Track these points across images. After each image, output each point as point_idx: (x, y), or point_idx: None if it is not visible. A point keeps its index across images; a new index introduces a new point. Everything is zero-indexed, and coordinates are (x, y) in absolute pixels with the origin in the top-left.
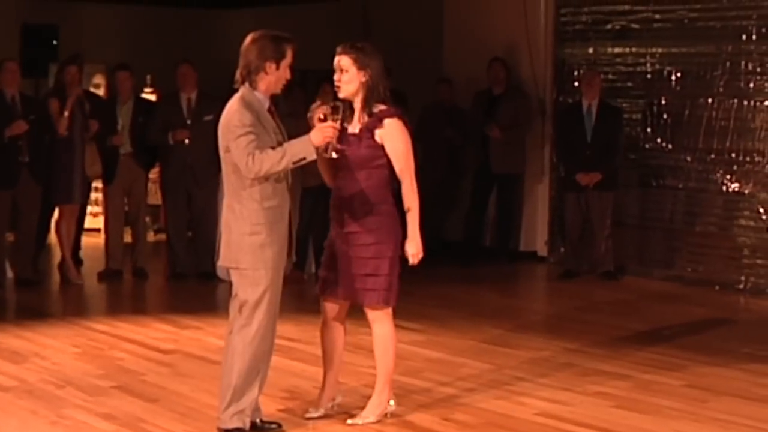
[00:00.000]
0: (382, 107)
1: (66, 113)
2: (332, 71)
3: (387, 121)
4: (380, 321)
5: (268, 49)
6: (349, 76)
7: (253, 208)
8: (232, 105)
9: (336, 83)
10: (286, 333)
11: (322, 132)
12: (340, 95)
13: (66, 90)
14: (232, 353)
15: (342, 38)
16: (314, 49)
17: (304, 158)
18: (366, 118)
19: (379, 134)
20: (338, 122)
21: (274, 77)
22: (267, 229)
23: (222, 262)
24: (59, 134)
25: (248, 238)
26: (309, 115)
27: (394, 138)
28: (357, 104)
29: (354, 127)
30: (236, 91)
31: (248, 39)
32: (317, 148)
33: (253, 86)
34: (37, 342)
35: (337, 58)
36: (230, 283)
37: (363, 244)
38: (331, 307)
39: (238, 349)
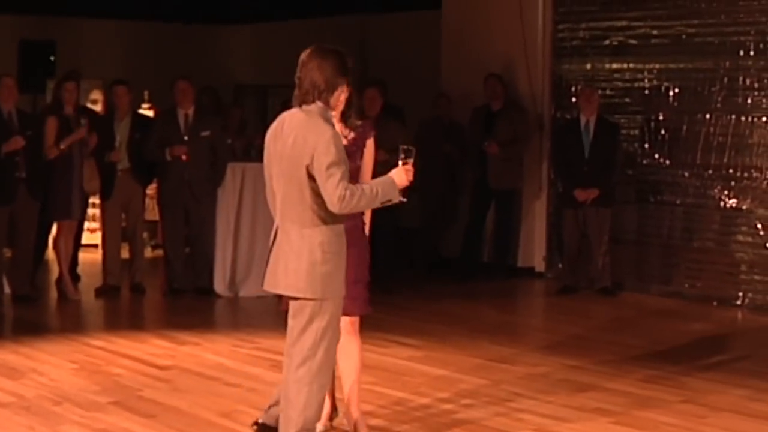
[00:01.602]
0: (358, 121)
1: (62, 147)
2: None
3: (371, 137)
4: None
5: (342, 66)
6: None
7: (327, 235)
8: (317, 124)
9: None
10: (282, 349)
11: (406, 174)
12: None
13: (63, 106)
14: (298, 384)
15: None
16: None
17: (390, 200)
18: (347, 131)
19: (365, 149)
20: (411, 164)
21: (343, 95)
22: (337, 258)
23: (286, 290)
24: (47, 157)
25: (320, 267)
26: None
27: (372, 154)
28: (335, 117)
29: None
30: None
31: (317, 54)
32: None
33: (327, 104)
34: (34, 358)
35: None
36: (229, 300)
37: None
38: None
39: (305, 380)
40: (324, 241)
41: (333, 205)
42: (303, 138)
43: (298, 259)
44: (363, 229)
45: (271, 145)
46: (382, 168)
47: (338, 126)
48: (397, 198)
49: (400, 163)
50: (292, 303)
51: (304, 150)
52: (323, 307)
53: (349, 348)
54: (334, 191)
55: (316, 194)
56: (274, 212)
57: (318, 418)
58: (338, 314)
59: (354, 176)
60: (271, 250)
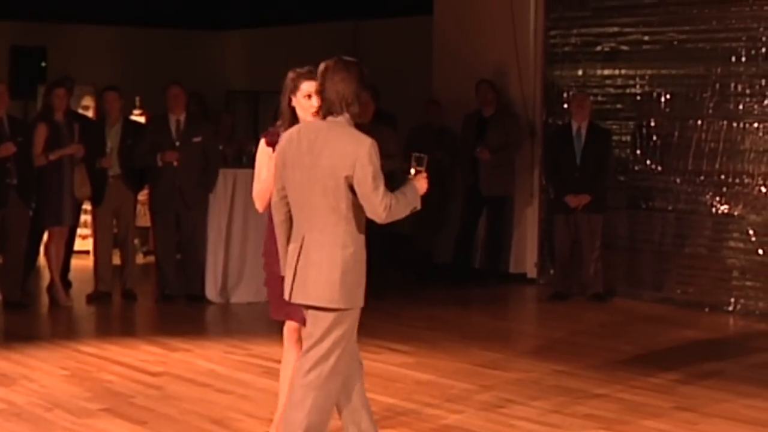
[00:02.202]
0: None
1: (51, 158)
2: None
3: None
4: None
5: (363, 77)
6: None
7: (357, 245)
8: (353, 135)
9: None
10: (275, 355)
11: (424, 182)
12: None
13: (54, 113)
14: (305, 389)
15: None
16: None
17: (415, 207)
18: None
19: None
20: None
21: (363, 106)
22: (363, 267)
23: (318, 301)
24: (35, 163)
25: (350, 277)
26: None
27: None
28: None
29: None
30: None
31: (342, 66)
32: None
33: (352, 116)
34: (25, 364)
35: (311, 84)
36: (221, 306)
37: None
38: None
39: (314, 384)
40: (355, 251)
41: (379, 215)
42: (341, 149)
43: (331, 269)
44: None
45: (289, 156)
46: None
47: None
48: (419, 206)
49: (412, 171)
50: (312, 312)
51: (344, 161)
52: (346, 315)
53: (290, 356)
54: (381, 201)
55: (354, 205)
56: (281, 221)
57: (323, 428)
58: (356, 324)
59: None
60: (297, 262)
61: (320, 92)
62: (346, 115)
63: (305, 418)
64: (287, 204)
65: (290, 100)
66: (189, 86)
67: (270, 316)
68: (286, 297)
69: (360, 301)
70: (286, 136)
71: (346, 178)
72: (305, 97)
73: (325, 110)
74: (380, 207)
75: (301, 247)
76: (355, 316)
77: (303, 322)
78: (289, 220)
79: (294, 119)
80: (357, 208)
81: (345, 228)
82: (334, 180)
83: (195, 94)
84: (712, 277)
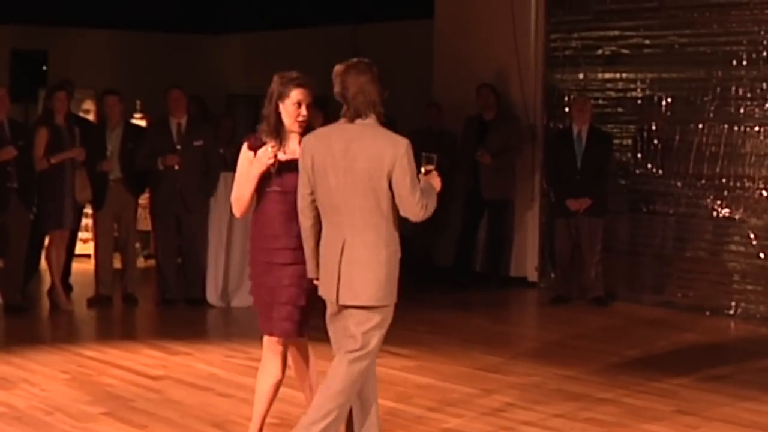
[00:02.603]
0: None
1: (53, 161)
2: (326, 97)
3: None
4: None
5: (380, 79)
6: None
7: (395, 244)
8: (390, 137)
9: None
10: None
11: (438, 180)
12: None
13: (55, 116)
14: (341, 380)
15: (331, 64)
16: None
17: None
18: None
19: None
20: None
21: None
22: (398, 265)
23: (368, 301)
24: (36, 167)
25: (393, 275)
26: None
27: None
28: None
29: (295, 153)
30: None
31: (366, 68)
32: None
33: (378, 117)
34: (26, 368)
35: (301, 92)
36: (221, 310)
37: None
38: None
39: (352, 378)
40: (396, 249)
41: (416, 215)
42: (380, 151)
43: (378, 269)
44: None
45: (319, 161)
46: None
47: (294, 140)
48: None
49: (423, 170)
50: (357, 312)
51: (384, 162)
52: (388, 311)
53: (270, 367)
54: (418, 201)
55: (392, 205)
56: (310, 226)
57: (344, 417)
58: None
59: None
60: (340, 265)
61: (342, 94)
62: (373, 117)
63: (336, 408)
64: (315, 208)
65: (277, 106)
66: (189, 90)
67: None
68: (333, 299)
69: (395, 298)
70: (312, 142)
71: (387, 178)
72: (294, 105)
73: (353, 113)
74: (417, 206)
75: (342, 249)
76: (392, 309)
77: (286, 338)
78: (318, 224)
79: (280, 126)
80: (394, 207)
81: (386, 227)
82: (375, 181)
83: (195, 97)
84: (713, 280)
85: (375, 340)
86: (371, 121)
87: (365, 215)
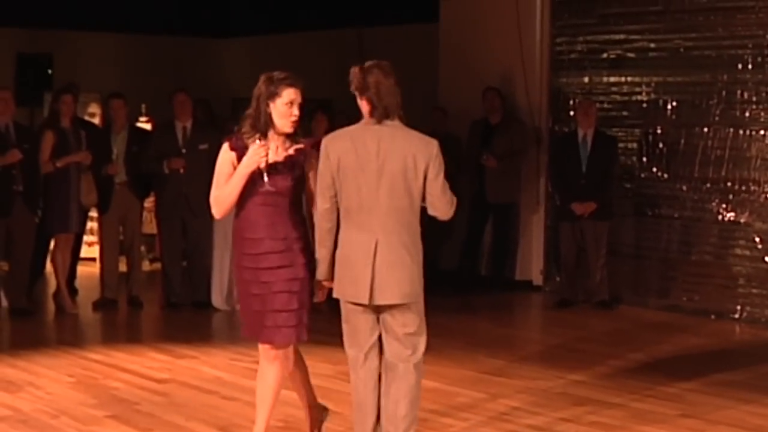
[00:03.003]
0: (302, 140)
1: (59, 165)
2: (329, 100)
3: (314, 156)
4: (285, 357)
5: None
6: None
7: (421, 242)
8: (422, 138)
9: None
10: None
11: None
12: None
13: (60, 119)
14: (407, 386)
15: (337, 68)
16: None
17: None
18: (288, 145)
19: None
20: None
21: None
22: None
23: (408, 298)
24: (43, 171)
25: (421, 270)
26: None
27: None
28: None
29: (279, 155)
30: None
31: (390, 71)
32: None
33: (401, 119)
34: (31, 371)
35: (293, 92)
36: (227, 313)
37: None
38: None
39: (413, 380)
40: (421, 247)
41: (447, 213)
42: (414, 151)
43: (412, 267)
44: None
45: (347, 163)
46: None
47: (278, 140)
48: None
49: None
50: (399, 309)
51: (419, 162)
52: (421, 305)
53: (267, 374)
54: (449, 200)
55: (420, 205)
56: (330, 228)
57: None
58: None
59: (282, 193)
60: (374, 265)
61: (367, 95)
62: (398, 119)
63: (413, 414)
64: (337, 210)
65: (266, 106)
66: (195, 93)
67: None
68: (365, 300)
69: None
70: (337, 143)
71: (422, 178)
72: (287, 105)
73: (383, 113)
74: (448, 205)
75: (375, 249)
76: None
77: (287, 345)
78: (336, 226)
79: (269, 126)
80: (419, 206)
81: (416, 226)
82: (410, 181)
83: (202, 100)
84: (718, 284)
85: (423, 339)
86: (398, 122)
87: (398, 215)
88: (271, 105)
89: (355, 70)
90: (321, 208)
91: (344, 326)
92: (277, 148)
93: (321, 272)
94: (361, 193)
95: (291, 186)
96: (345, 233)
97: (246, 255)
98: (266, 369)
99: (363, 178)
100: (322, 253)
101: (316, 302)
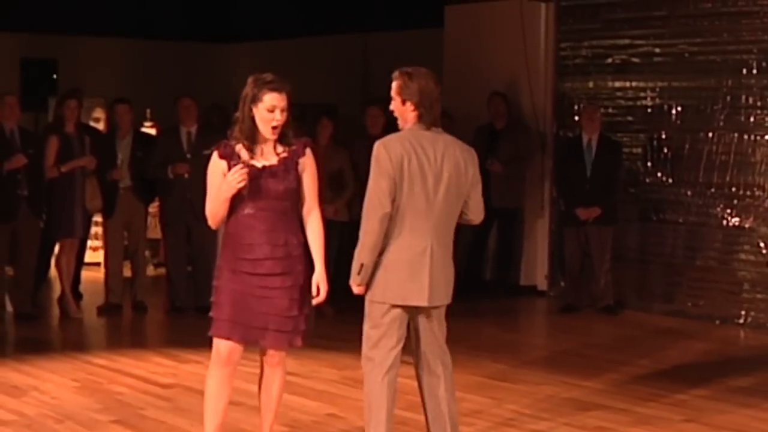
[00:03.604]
0: (294, 140)
1: (63, 170)
2: (334, 106)
3: (305, 155)
4: (284, 361)
5: None
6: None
7: None
8: (465, 146)
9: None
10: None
11: None
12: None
13: (65, 124)
14: (452, 384)
15: (342, 73)
16: (314, 84)
17: None
18: (280, 150)
19: (301, 168)
20: None
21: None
22: None
23: (448, 300)
24: (47, 175)
25: None
26: None
27: (314, 172)
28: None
29: (271, 159)
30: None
31: (435, 79)
32: None
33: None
34: (36, 376)
35: (275, 97)
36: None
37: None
38: (234, 348)
39: (450, 377)
40: None
41: (481, 218)
42: (464, 158)
43: (451, 269)
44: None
45: (409, 168)
46: None
47: (269, 145)
48: None
49: None
50: (437, 310)
51: (468, 169)
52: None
53: (271, 379)
54: (483, 205)
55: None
56: (382, 233)
57: None
58: None
59: (280, 197)
60: (432, 268)
61: (415, 102)
62: (440, 126)
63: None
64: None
65: (250, 109)
66: (199, 98)
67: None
68: (424, 302)
69: None
70: (398, 147)
71: (469, 184)
72: (267, 110)
73: (432, 120)
74: (483, 210)
75: (431, 253)
76: None
77: (279, 349)
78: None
79: (254, 131)
80: None
81: (453, 229)
82: (462, 187)
83: (216, 106)
84: (723, 289)
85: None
86: (440, 129)
87: (448, 220)
88: (254, 109)
89: (400, 75)
90: (380, 212)
91: (372, 332)
92: (263, 150)
93: (363, 278)
94: (420, 197)
95: (286, 190)
96: (397, 237)
97: (242, 260)
98: (269, 374)
99: (422, 182)
100: (370, 257)
101: (322, 307)
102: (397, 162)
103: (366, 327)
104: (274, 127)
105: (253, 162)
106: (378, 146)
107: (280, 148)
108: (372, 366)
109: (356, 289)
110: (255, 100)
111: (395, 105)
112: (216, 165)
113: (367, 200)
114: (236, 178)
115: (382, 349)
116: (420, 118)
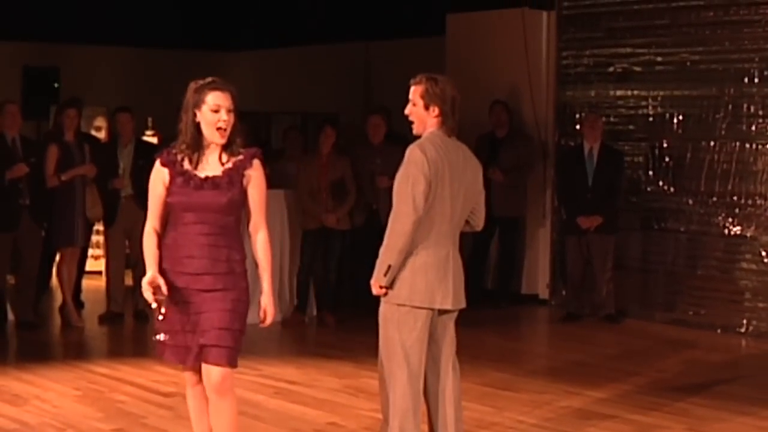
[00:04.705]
0: (241, 150)
1: (63, 179)
2: (336, 114)
3: (251, 167)
4: (232, 387)
5: None
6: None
7: None
8: (471, 152)
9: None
10: (286, 376)
11: None
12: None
13: (64, 133)
14: (459, 386)
15: (343, 81)
16: (316, 92)
17: None
18: (225, 159)
19: (246, 180)
20: None
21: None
22: None
23: (462, 304)
24: (48, 184)
25: None
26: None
27: (262, 184)
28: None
29: (215, 169)
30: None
31: (456, 87)
32: None
33: None
34: (37, 384)
35: (218, 95)
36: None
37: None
38: (192, 371)
39: (459, 380)
40: None
41: (482, 226)
42: (477, 167)
43: (463, 275)
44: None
45: (442, 172)
46: (387, 194)
47: (215, 154)
48: None
49: None
50: (451, 314)
51: (479, 177)
52: None
53: (221, 409)
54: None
55: None
56: (411, 239)
57: None
58: None
59: (222, 210)
60: (453, 273)
61: (445, 109)
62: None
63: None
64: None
65: (194, 115)
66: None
67: (164, 357)
68: (450, 305)
69: None
70: (432, 152)
71: (477, 193)
72: (212, 111)
73: (453, 128)
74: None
75: (451, 258)
76: None
77: (221, 365)
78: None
79: (198, 138)
80: None
81: None
82: (476, 195)
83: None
84: (725, 298)
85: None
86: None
87: (461, 226)
88: (198, 114)
89: (426, 79)
90: (415, 215)
91: (404, 336)
92: (207, 160)
93: (389, 279)
94: (447, 203)
95: (230, 203)
96: (425, 241)
97: (180, 273)
98: (216, 405)
99: (449, 188)
100: (399, 259)
101: (324, 317)
102: (433, 166)
103: (390, 332)
104: (220, 129)
105: (196, 172)
106: (415, 149)
107: (225, 158)
108: (404, 372)
109: (378, 291)
110: (198, 103)
111: (415, 109)
112: (158, 173)
113: (400, 203)
114: (147, 293)
115: (414, 354)
116: (442, 125)
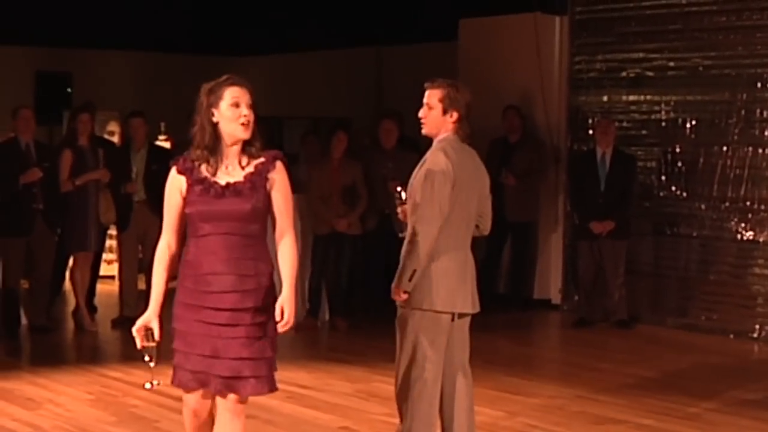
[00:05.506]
0: (261, 153)
1: (77, 183)
2: (349, 119)
3: (274, 170)
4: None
5: None
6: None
7: None
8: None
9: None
10: (299, 380)
11: None
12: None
13: (78, 138)
14: (471, 396)
15: (355, 86)
16: (328, 97)
17: None
18: (245, 163)
19: (269, 185)
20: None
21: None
22: None
23: (478, 308)
24: (62, 189)
25: None
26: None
27: (287, 188)
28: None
29: (236, 175)
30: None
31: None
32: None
33: None
34: (51, 389)
35: (236, 90)
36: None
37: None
38: (203, 402)
39: (472, 394)
40: None
41: (488, 230)
42: (484, 173)
43: (475, 279)
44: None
45: (462, 177)
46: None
47: (233, 158)
48: None
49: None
50: (466, 319)
51: (486, 183)
52: None
53: (230, 428)
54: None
55: None
56: (435, 238)
57: None
58: None
59: (246, 218)
60: (472, 276)
61: (463, 115)
62: None
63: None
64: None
65: (211, 116)
66: None
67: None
68: (471, 309)
69: None
70: (454, 156)
71: (485, 198)
72: (232, 106)
73: (467, 133)
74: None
75: (469, 262)
76: None
77: (238, 395)
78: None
79: (216, 141)
80: None
81: None
82: (485, 199)
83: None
84: (737, 303)
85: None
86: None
87: (471, 230)
88: (216, 113)
89: (446, 85)
90: (440, 219)
91: (426, 341)
92: (226, 165)
93: (406, 284)
94: (465, 208)
95: (254, 210)
96: (446, 245)
97: (203, 293)
98: (225, 423)
99: (465, 194)
100: (425, 264)
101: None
102: (456, 170)
103: (410, 337)
104: (244, 124)
105: (215, 179)
106: (439, 153)
107: (245, 161)
108: (423, 376)
109: (401, 296)
110: (215, 102)
111: (431, 113)
112: (174, 181)
113: (427, 207)
114: (136, 339)
115: (436, 361)
116: (458, 130)
